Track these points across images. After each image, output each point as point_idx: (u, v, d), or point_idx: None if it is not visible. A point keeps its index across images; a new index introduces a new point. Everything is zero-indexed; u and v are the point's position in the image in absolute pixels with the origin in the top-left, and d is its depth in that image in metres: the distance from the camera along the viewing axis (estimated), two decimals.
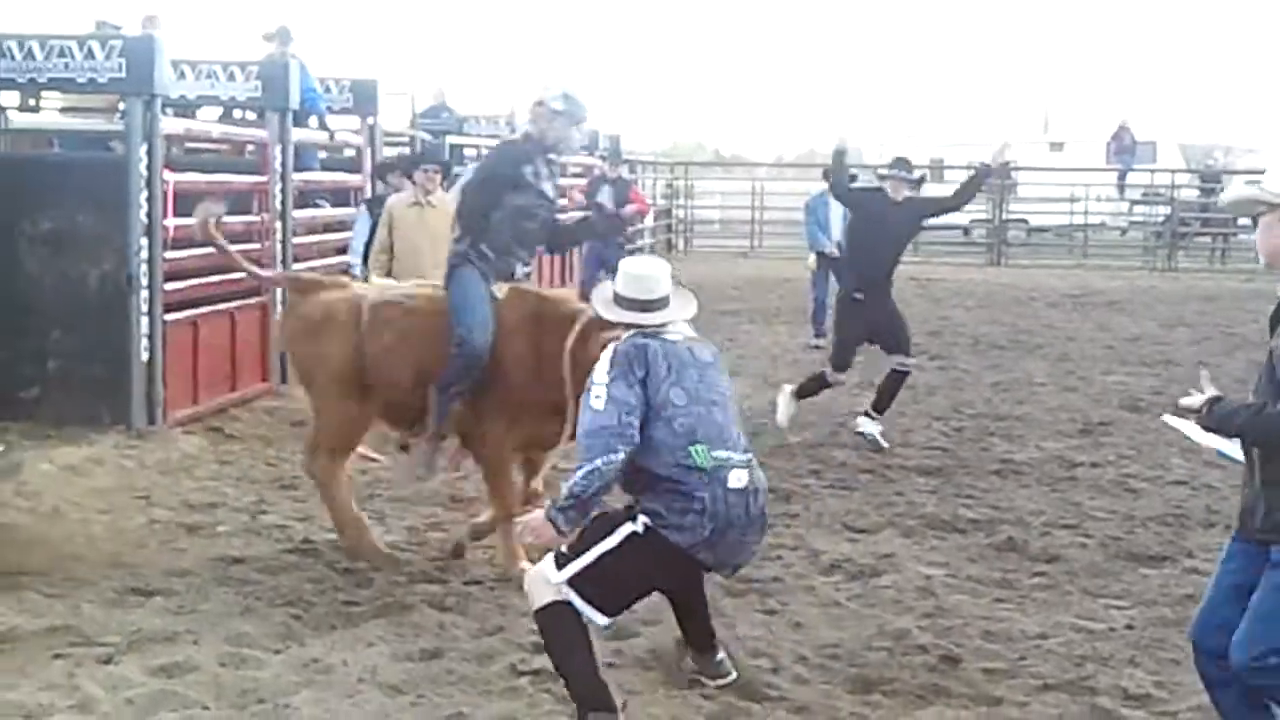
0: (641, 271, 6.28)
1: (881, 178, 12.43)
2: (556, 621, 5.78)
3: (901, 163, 12.40)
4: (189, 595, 7.45)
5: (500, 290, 8.21)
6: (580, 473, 5.76)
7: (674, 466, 5.82)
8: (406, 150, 18.12)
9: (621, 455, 5.76)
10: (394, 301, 8.46)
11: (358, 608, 7.33)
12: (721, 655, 6.43)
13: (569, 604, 5.76)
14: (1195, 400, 5.14)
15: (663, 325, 6.15)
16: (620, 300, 6.22)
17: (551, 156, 8.47)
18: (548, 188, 8.46)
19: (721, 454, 5.87)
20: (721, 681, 6.36)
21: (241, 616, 7.13)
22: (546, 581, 5.79)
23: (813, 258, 18.68)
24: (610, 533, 5.84)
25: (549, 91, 8.35)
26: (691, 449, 5.83)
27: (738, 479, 5.86)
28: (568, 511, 5.75)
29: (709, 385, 6.03)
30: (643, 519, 5.83)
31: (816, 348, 17.42)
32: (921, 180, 12.75)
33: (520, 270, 8.44)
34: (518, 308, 8.11)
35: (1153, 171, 35.89)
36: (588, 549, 5.81)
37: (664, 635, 6.82)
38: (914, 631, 7.20)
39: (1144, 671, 6.77)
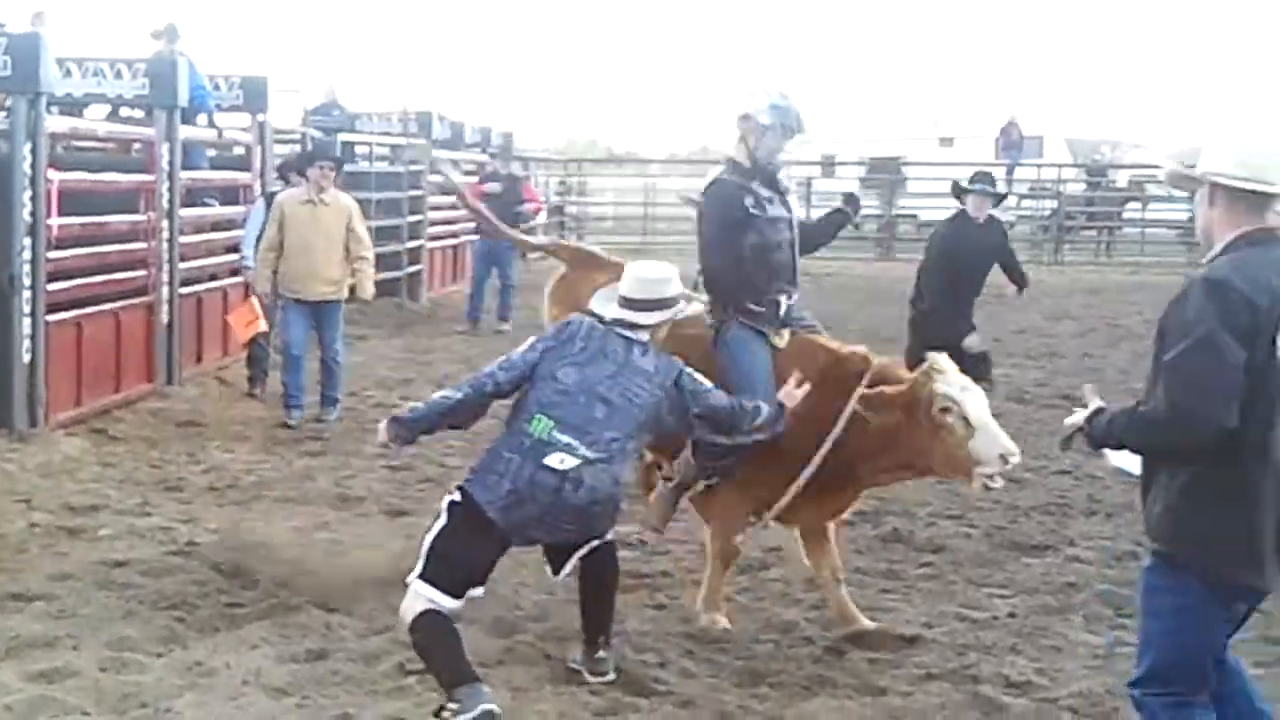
0: (644, 274, 6.46)
1: (963, 191, 11.60)
2: (424, 631, 5.88)
3: (985, 177, 11.75)
4: (70, 599, 7.31)
5: (782, 338, 7.30)
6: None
7: (518, 428, 6.04)
8: (298, 148, 17.99)
9: (460, 396, 6.19)
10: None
11: (242, 609, 7.25)
12: (604, 654, 6.43)
13: (430, 612, 5.86)
14: (1078, 416, 4.96)
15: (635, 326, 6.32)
16: (620, 300, 6.40)
17: (772, 172, 7.52)
18: (779, 208, 7.50)
19: (564, 438, 5.96)
20: (598, 680, 6.37)
21: (123, 620, 7.03)
22: (410, 595, 5.92)
23: None
24: (440, 515, 6.07)
25: (754, 103, 7.40)
26: (536, 416, 6.00)
27: (559, 461, 5.94)
28: (396, 422, 6.24)
29: (615, 386, 6.12)
30: (456, 485, 6.08)
31: None
32: (1004, 197, 11.97)
33: (785, 303, 7.44)
34: (802, 363, 7.14)
35: (1040, 166, 36.35)
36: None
37: (552, 633, 6.84)
38: (801, 624, 7.28)
39: (1026, 659, 6.88)
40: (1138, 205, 34.57)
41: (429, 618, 5.85)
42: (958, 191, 11.73)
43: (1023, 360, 16.85)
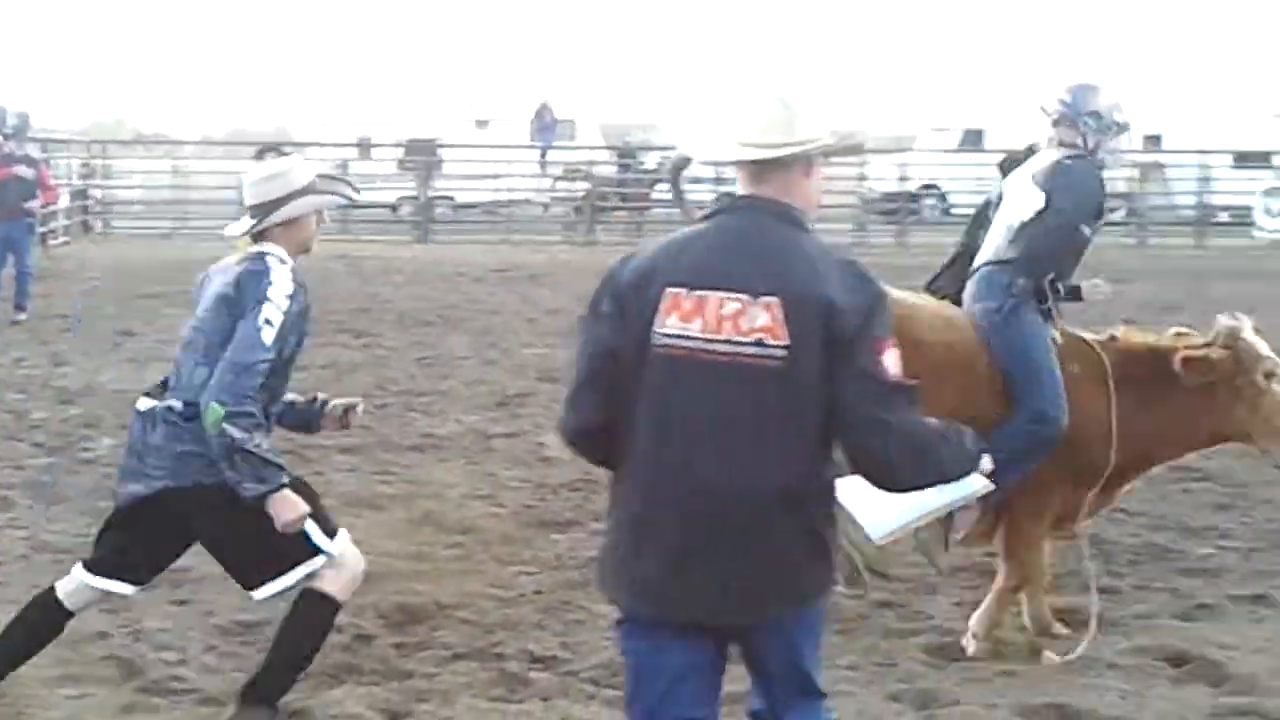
0: (249, 177, 5.82)
1: (1016, 164, 10.92)
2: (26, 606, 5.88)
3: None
4: None
5: (1058, 333, 6.73)
6: None
7: None
8: None
9: None
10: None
11: None
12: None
13: (49, 590, 5.85)
14: None
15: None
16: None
17: None
18: None
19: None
20: None
21: None
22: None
23: None
24: None
25: (1105, 101, 6.86)
26: None
27: (142, 403, 5.72)
28: None
29: (196, 321, 5.69)
30: None
31: None
32: None
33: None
34: (1092, 360, 6.68)
35: (573, 149, 37.14)
36: None
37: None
38: None
39: (551, 634, 7.03)
40: (666, 186, 35.69)
41: (40, 597, 5.82)
42: (1008, 169, 11.37)
43: (555, 339, 16.46)
